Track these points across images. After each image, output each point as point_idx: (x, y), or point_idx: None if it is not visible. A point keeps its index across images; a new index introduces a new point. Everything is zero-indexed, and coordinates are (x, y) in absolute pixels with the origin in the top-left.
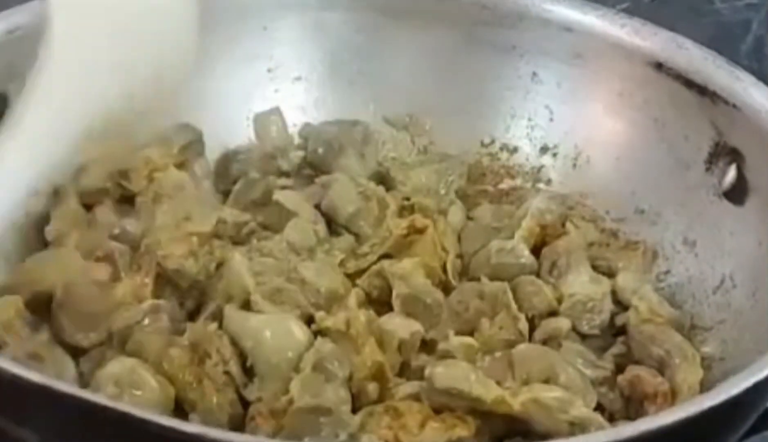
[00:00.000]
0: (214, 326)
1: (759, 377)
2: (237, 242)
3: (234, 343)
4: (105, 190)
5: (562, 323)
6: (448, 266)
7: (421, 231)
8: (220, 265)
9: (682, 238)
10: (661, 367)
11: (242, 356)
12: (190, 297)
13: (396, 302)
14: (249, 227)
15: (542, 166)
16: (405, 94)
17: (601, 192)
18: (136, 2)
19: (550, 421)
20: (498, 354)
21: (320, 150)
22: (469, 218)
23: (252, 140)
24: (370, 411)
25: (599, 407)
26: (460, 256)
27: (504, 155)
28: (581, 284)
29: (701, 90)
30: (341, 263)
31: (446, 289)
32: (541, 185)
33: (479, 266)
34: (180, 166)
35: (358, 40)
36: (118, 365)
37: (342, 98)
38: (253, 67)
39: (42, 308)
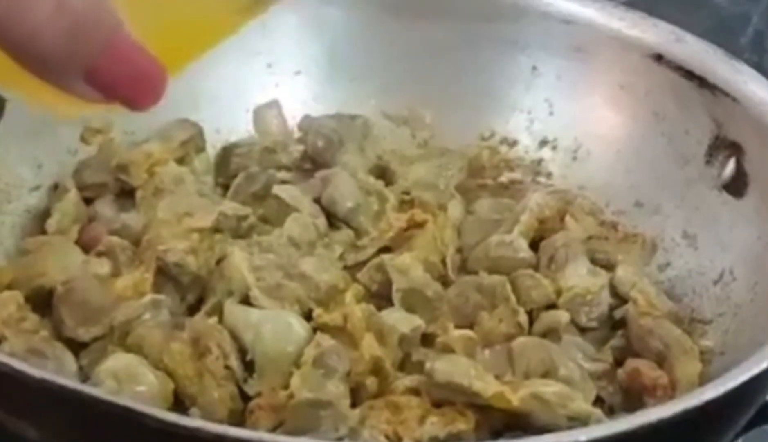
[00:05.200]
0: (214, 320)
1: (757, 370)
2: (237, 236)
3: (234, 337)
4: (105, 185)
5: (561, 316)
6: (448, 261)
7: (420, 225)
8: (220, 260)
9: (681, 231)
10: (660, 360)
11: (242, 351)
12: (191, 292)
13: (396, 296)
14: (249, 221)
15: (542, 160)
16: (405, 88)
17: (600, 185)
18: None
19: (549, 415)
20: (497, 347)
21: (320, 144)
22: (468, 212)
23: (252, 134)
24: (370, 405)
25: (598, 400)
26: (459, 250)
27: (504, 148)
28: (579, 276)
29: (701, 83)
30: (340, 257)
31: (445, 283)
32: (541, 178)
33: (478, 260)
34: (180, 160)
35: (358, 34)
36: (117, 360)
37: (342, 93)
38: (254, 61)
39: (42, 302)
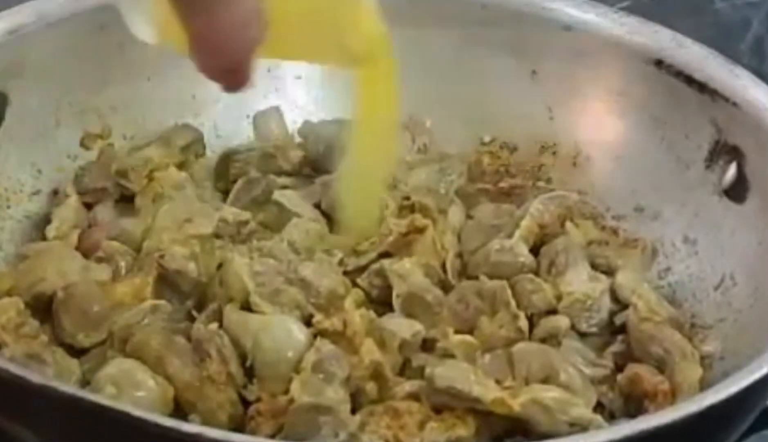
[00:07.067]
0: (214, 326)
1: (758, 375)
2: (237, 241)
3: (234, 343)
4: (105, 190)
5: (561, 322)
6: (448, 265)
7: (420, 230)
8: (220, 266)
9: (682, 236)
10: (661, 365)
11: (242, 356)
12: (191, 298)
13: (396, 301)
14: (249, 227)
15: (542, 165)
16: (405, 93)
17: (601, 190)
18: None
19: (549, 421)
20: (498, 352)
21: (320, 149)
22: (468, 217)
23: (252, 139)
24: (370, 411)
25: (599, 406)
26: (459, 255)
27: (504, 154)
28: (579, 282)
29: (701, 88)
30: (340, 262)
31: (445, 288)
32: (541, 184)
33: (478, 265)
34: (180, 166)
35: None
36: (116, 366)
37: (342, 98)
38: None
39: (42, 308)
